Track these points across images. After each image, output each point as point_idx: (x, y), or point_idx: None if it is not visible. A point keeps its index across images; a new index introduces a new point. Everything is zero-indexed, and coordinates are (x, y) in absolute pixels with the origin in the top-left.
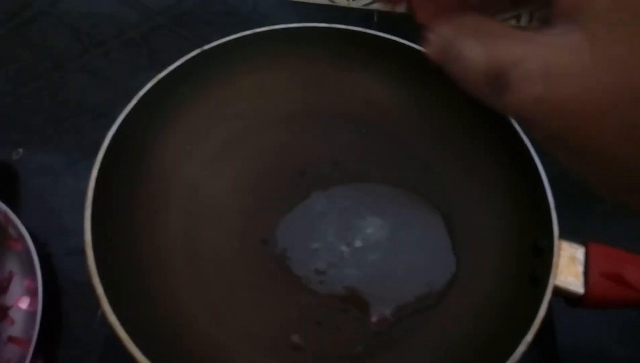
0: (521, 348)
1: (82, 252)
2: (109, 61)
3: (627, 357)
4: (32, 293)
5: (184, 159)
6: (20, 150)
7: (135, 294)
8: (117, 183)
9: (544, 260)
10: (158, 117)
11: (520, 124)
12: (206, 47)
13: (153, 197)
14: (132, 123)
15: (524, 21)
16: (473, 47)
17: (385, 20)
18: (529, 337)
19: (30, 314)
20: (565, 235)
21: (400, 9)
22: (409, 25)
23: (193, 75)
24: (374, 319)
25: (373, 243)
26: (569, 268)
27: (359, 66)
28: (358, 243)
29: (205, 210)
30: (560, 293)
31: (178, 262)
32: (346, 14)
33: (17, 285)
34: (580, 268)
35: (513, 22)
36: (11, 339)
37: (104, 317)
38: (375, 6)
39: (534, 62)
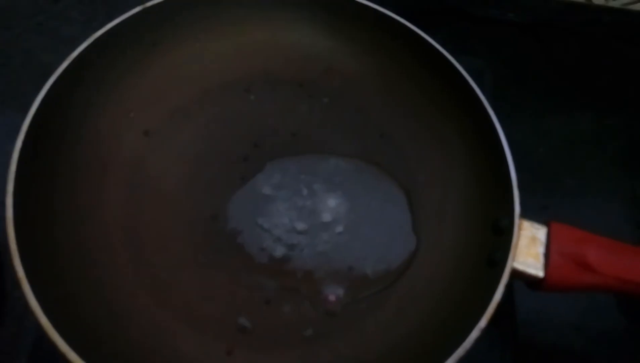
0: (474, 334)
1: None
2: (63, 19)
3: (589, 337)
4: None
5: (126, 128)
6: None
7: (65, 274)
8: (49, 153)
9: (504, 240)
10: (96, 81)
11: None
12: (148, 4)
13: (90, 169)
14: (65, 87)
15: None
16: None
17: None
18: (483, 323)
19: None
20: (531, 213)
21: None
22: None
23: (136, 35)
24: (326, 299)
25: (330, 220)
26: (529, 249)
27: (320, 30)
28: (314, 219)
29: (149, 184)
30: (519, 276)
31: (117, 239)
32: None
33: None
34: (540, 249)
35: None
36: None
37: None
38: None
39: None
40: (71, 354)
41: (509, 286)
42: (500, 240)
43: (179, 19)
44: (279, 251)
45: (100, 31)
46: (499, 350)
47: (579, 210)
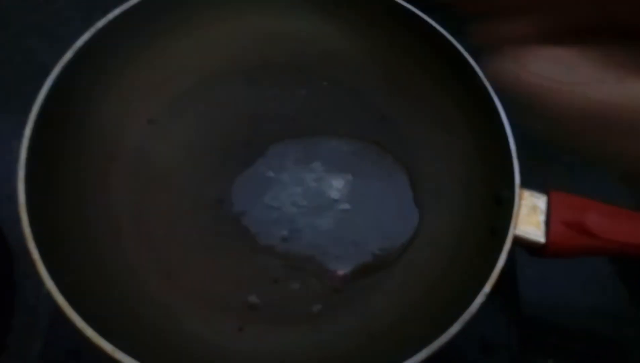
0: (479, 299)
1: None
2: (61, 18)
3: (591, 306)
4: None
5: (129, 117)
6: None
7: (77, 258)
8: (56, 143)
9: (505, 209)
10: (99, 72)
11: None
12: None
13: (96, 159)
14: (69, 79)
15: None
16: None
17: None
18: (487, 288)
19: None
20: (530, 185)
21: None
22: None
23: (136, 25)
24: (333, 275)
25: (333, 199)
26: (530, 217)
27: (317, 14)
28: (318, 199)
29: (154, 171)
30: (521, 243)
31: (125, 226)
32: None
33: None
34: (541, 217)
35: None
36: None
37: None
38: None
39: None
40: (88, 330)
41: (511, 260)
42: (502, 210)
43: (177, 9)
44: (284, 231)
45: (102, 22)
46: (504, 320)
47: (576, 183)
